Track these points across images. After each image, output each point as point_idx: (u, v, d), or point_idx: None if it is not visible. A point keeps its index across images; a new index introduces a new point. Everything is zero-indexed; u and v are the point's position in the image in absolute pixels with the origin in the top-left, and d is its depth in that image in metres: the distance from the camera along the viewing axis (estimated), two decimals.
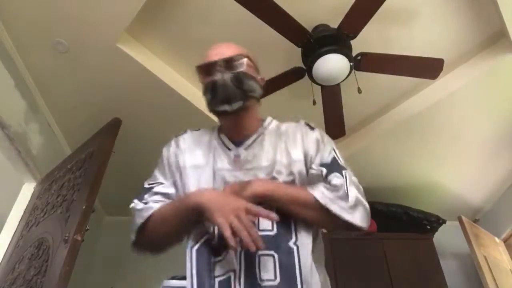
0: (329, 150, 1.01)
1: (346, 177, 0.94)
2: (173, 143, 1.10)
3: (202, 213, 0.85)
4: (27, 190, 2.63)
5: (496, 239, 3.35)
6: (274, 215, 0.85)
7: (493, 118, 2.84)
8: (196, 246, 0.92)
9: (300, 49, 2.24)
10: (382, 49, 2.29)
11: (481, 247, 2.97)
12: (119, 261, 3.35)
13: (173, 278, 2.45)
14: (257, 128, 1.07)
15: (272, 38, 2.10)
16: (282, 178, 0.96)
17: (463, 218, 3.08)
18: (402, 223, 3.06)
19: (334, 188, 0.91)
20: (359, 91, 2.23)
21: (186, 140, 1.09)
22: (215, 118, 1.10)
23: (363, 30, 2.08)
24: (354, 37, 2.15)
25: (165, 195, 1.00)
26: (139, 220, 0.95)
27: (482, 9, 2.27)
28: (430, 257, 2.96)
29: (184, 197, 0.95)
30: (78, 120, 2.76)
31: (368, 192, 0.99)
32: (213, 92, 1.01)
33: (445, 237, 3.27)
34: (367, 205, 0.94)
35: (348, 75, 2.26)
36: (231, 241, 0.79)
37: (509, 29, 2.24)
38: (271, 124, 1.10)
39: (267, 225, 0.90)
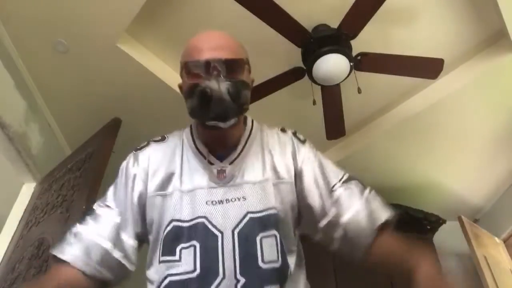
0: (330, 166, 0.96)
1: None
2: (131, 160, 0.96)
3: None
4: (27, 190, 2.63)
5: (496, 239, 3.35)
6: None
7: (493, 118, 2.84)
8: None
9: (300, 49, 2.24)
10: (382, 49, 2.29)
11: (481, 247, 2.96)
12: None
13: None
14: (240, 137, 0.94)
15: (272, 38, 2.10)
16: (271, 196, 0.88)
17: (463, 218, 3.08)
18: (402, 223, 3.06)
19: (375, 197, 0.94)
20: (359, 91, 2.23)
21: (148, 156, 0.95)
22: None
23: (363, 30, 2.08)
24: (354, 37, 2.15)
25: (101, 222, 0.89)
26: (52, 250, 0.85)
27: (482, 9, 2.26)
28: None
29: None
30: (78, 120, 2.76)
31: None
32: (203, 101, 0.83)
33: (445, 237, 3.27)
34: None
35: (348, 75, 2.26)
36: None
37: (509, 29, 2.24)
38: (253, 129, 0.97)
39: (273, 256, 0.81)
